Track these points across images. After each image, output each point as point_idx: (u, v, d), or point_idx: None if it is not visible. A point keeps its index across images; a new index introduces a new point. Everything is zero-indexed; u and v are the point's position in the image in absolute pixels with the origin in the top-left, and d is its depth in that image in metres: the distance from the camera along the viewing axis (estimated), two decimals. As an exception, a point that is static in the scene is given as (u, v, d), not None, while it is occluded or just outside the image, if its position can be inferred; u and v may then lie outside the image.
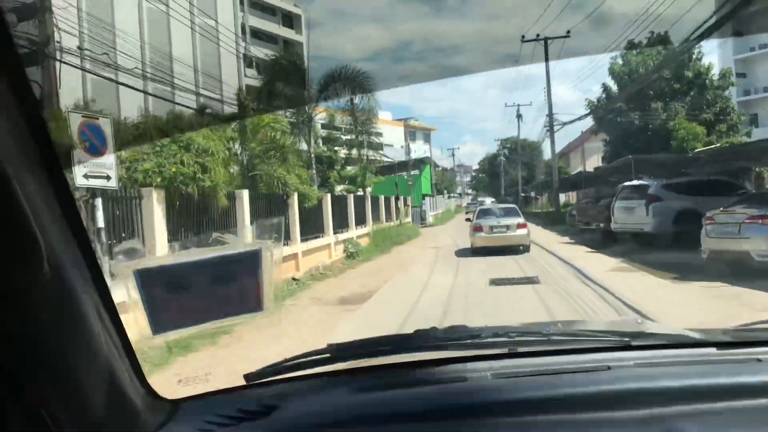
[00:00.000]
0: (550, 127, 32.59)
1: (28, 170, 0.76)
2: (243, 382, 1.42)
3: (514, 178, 65.22)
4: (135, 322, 1.05)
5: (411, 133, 67.88)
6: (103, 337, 0.95)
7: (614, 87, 29.02)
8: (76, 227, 0.89)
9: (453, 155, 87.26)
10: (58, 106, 11.11)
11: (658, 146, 24.43)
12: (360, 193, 24.39)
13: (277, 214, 12.68)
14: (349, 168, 26.96)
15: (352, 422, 1.20)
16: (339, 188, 24.32)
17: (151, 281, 1.04)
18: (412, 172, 42.29)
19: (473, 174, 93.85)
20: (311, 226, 15.03)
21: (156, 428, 1.16)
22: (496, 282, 10.62)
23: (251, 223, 10.99)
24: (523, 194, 56.64)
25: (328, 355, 1.43)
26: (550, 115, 32.39)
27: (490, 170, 76.74)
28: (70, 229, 0.88)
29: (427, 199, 41.55)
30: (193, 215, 9.77)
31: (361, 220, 21.10)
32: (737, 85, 32.82)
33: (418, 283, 10.87)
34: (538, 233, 21.31)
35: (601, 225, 17.55)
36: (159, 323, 1.07)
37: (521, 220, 16.44)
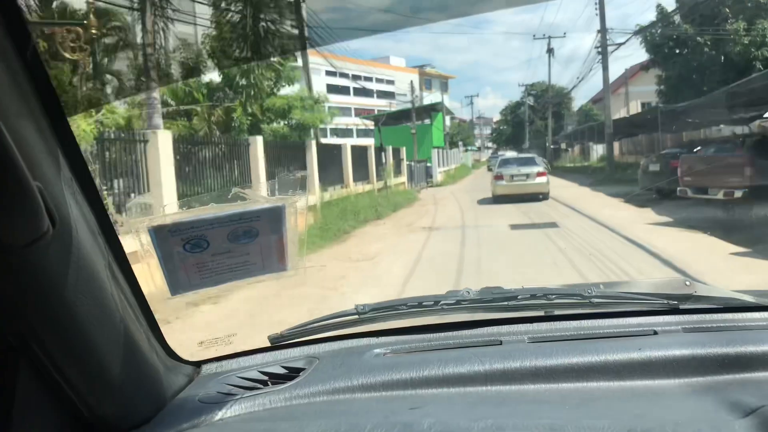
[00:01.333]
0: (603, 49, 25.50)
1: (28, 121, 0.71)
2: (267, 344, 1.39)
3: (540, 128, 61.05)
4: (152, 280, 0.99)
5: (427, 82, 62.36)
6: (117, 296, 0.91)
7: (673, 5, 23.02)
8: (83, 180, 0.84)
9: (471, 104, 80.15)
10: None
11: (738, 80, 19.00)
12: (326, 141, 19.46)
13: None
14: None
15: (381, 385, 1.16)
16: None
17: (167, 238, 0.97)
18: (423, 122, 38.20)
19: (494, 126, 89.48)
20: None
21: (177, 391, 1.13)
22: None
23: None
24: (552, 146, 49.69)
25: (355, 316, 1.39)
26: (603, 31, 25.40)
27: (513, 120, 68.45)
28: (77, 182, 0.83)
29: (437, 152, 34.00)
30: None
31: (336, 178, 16.44)
32: None
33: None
34: (588, 199, 16.42)
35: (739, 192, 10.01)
36: (177, 283, 1.01)
37: (541, 168, 17.55)
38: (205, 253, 1.00)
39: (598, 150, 37.47)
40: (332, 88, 61.34)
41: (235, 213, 1.00)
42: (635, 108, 36.09)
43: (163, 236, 0.96)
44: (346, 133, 56.83)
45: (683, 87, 22.12)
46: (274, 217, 1.02)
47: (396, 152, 25.42)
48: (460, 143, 58.44)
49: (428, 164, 31.42)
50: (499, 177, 17.73)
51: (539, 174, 17.31)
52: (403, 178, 25.74)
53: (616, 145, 34.47)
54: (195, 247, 0.99)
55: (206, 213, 0.99)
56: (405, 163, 26.54)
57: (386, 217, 14.56)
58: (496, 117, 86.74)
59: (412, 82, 39.11)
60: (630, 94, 45.29)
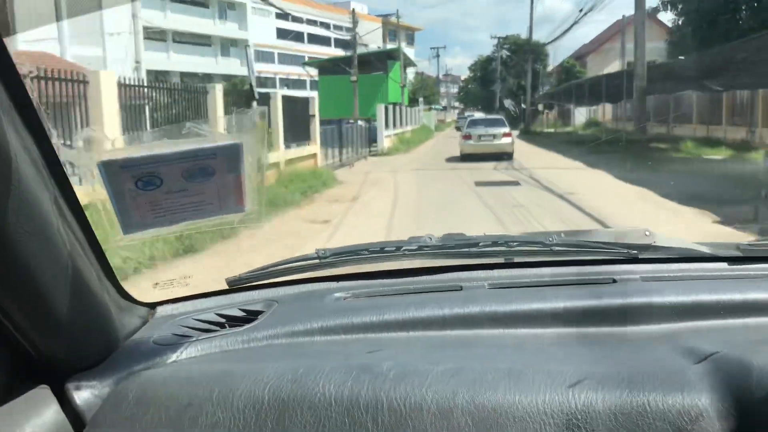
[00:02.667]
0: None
1: None
2: (225, 287, 1.36)
3: (512, 87, 55.19)
4: (103, 219, 0.94)
5: (391, 33, 56.40)
6: (63, 232, 0.87)
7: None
8: (23, 109, 0.80)
9: (437, 56, 72.10)
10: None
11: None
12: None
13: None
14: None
15: (341, 328, 1.15)
16: None
17: (118, 173, 0.92)
18: (375, 72, 32.08)
19: (461, 84, 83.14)
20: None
21: (130, 332, 1.11)
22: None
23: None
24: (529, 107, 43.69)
25: (316, 260, 1.37)
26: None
27: (482, 78, 61.91)
28: (17, 110, 0.78)
29: (387, 109, 25.79)
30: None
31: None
32: None
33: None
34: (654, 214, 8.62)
35: None
36: (130, 222, 0.96)
37: (507, 129, 18.96)
38: (159, 191, 0.95)
39: (580, 114, 31.96)
40: (283, 33, 53.45)
41: (190, 150, 0.95)
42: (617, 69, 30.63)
43: (113, 171, 0.91)
44: (297, 84, 49.25)
45: (706, 32, 16.50)
46: (232, 155, 0.98)
47: (297, 106, 15.25)
48: (421, 100, 51.00)
49: (371, 124, 23.78)
50: (467, 137, 19.11)
51: (505, 135, 18.80)
52: (313, 147, 16.09)
53: (607, 108, 28.87)
54: (148, 185, 0.94)
55: (160, 149, 0.94)
56: (316, 124, 16.48)
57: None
58: (465, 76, 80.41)
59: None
60: (608, 51, 39.84)
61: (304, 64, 38.34)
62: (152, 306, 1.26)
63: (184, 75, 36.18)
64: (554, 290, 1.25)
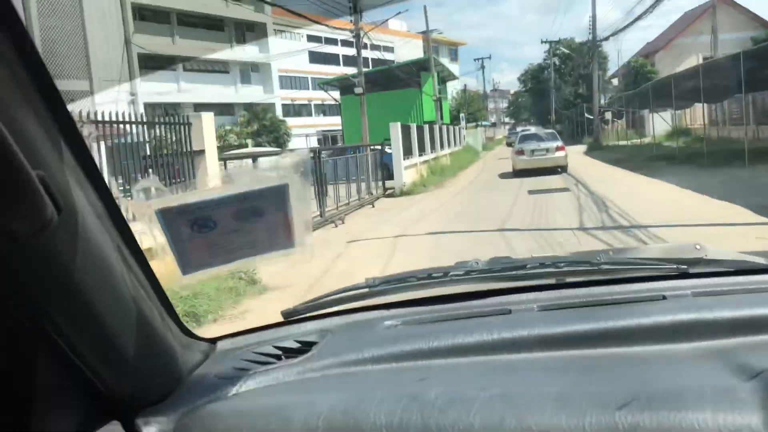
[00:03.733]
0: None
1: (26, 110, 0.72)
2: (281, 320, 1.40)
3: (569, 96, 48.76)
4: (163, 263, 1.00)
5: (434, 49, 51.19)
6: (128, 279, 0.93)
7: None
8: (86, 166, 0.85)
9: (483, 68, 62.56)
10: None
11: None
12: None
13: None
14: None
15: (392, 357, 1.16)
16: None
17: (174, 220, 0.99)
18: (407, 89, 27.00)
19: (511, 98, 76.92)
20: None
21: (193, 368, 1.15)
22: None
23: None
24: (589, 115, 35.51)
25: (366, 289, 1.40)
26: None
27: (534, 88, 56.20)
28: (81, 169, 0.84)
29: (415, 129, 19.41)
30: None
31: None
32: None
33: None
34: None
35: None
36: (187, 263, 1.03)
37: (560, 143, 18.61)
38: (213, 233, 1.01)
39: (662, 120, 25.52)
40: (318, 57, 49.18)
41: (240, 193, 1.00)
42: (694, 62, 26.49)
43: (170, 218, 0.97)
44: (335, 109, 44.55)
45: None
46: (278, 195, 1.03)
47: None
48: (462, 116, 43.67)
49: (387, 151, 17.29)
50: (520, 152, 18.78)
51: (558, 148, 18.35)
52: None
53: (703, 109, 22.64)
54: (203, 228, 1.00)
55: (211, 194, 0.99)
56: (205, 161, 8.94)
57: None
58: (515, 90, 74.27)
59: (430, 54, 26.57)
60: (681, 47, 33.91)
61: (320, 84, 33.31)
62: (213, 341, 1.30)
63: (198, 106, 31.75)
64: (604, 310, 1.24)
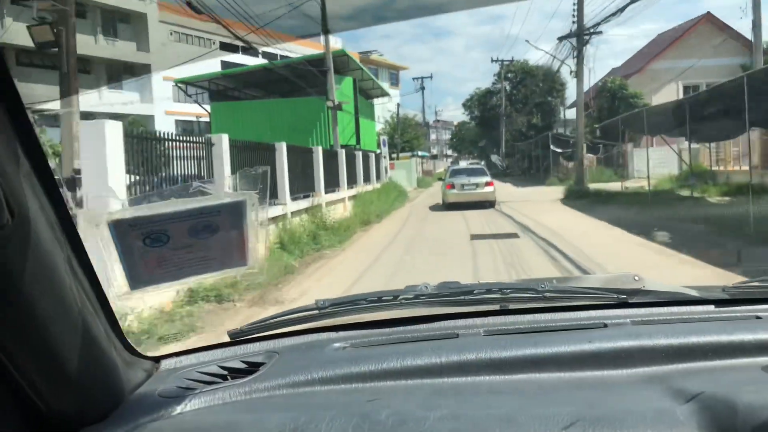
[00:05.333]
0: None
1: None
2: (227, 339, 1.39)
3: (521, 126, 42.54)
4: (111, 276, 0.98)
5: (373, 71, 43.75)
6: (75, 290, 0.91)
7: None
8: (42, 173, 0.83)
9: (422, 89, 55.26)
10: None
11: None
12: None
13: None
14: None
15: (341, 378, 1.17)
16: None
17: (126, 232, 0.96)
18: (306, 97, 19.68)
19: (453, 129, 70.76)
20: None
21: (136, 386, 1.13)
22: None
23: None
24: (558, 149, 28.69)
25: (315, 311, 1.40)
26: None
27: (481, 116, 48.40)
28: (36, 176, 0.82)
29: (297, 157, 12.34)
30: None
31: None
32: None
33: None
34: None
35: None
36: (137, 277, 1.00)
37: (489, 179, 19.10)
38: (165, 248, 0.99)
39: (638, 157, 18.53)
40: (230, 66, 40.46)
41: (196, 208, 0.99)
42: (671, 93, 24.30)
43: (122, 230, 0.95)
44: None
45: None
46: (235, 212, 1.01)
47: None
48: (384, 141, 32.94)
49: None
50: (450, 186, 18.96)
51: (487, 184, 18.72)
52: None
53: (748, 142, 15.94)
54: (155, 242, 0.98)
55: (167, 207, 0.98)
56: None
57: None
58: (458, 120, 68.27)
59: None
60: (657, 72, 28.46)
61: (177, 83, 24.39)
62: (157, 360, 1.28)
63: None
64: (548, 336, 1.28)
